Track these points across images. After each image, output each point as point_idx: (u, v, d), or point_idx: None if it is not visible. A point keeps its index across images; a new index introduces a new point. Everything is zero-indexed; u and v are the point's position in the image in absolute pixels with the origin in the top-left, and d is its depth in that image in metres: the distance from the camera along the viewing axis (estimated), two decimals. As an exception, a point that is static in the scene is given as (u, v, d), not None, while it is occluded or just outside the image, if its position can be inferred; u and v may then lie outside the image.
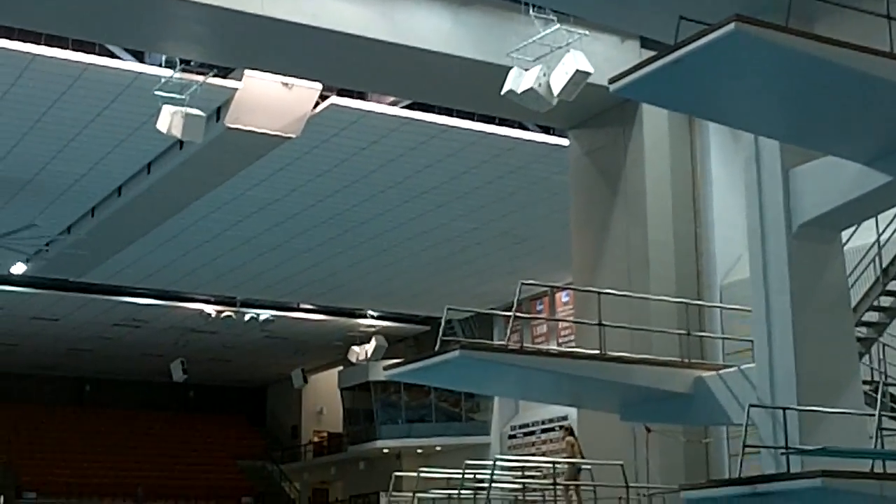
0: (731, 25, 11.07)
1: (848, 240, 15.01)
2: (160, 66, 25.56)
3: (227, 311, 45.38)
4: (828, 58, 11.51)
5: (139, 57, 26.07)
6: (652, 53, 12.60)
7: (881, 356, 16.49)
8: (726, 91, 12.65)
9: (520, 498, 22.15)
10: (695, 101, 13.66)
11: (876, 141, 12.98)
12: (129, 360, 53.42)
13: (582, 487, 21.59)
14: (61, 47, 25.41)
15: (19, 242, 33.91)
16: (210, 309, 45.41)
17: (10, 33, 24.59)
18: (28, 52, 25.26)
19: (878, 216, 15.71)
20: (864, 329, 15.66)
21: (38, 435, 53.46)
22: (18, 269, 37.65)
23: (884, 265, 15.71)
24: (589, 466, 21.64)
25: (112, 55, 25.93)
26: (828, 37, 11.85)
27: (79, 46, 25.48)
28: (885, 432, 12.88)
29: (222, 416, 59.39)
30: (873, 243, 16.09)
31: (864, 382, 14.78)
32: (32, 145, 29.79)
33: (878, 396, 12.87)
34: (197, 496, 52.97)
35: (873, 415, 12.90)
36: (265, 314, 45.73)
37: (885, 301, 15.65)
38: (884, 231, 16.08)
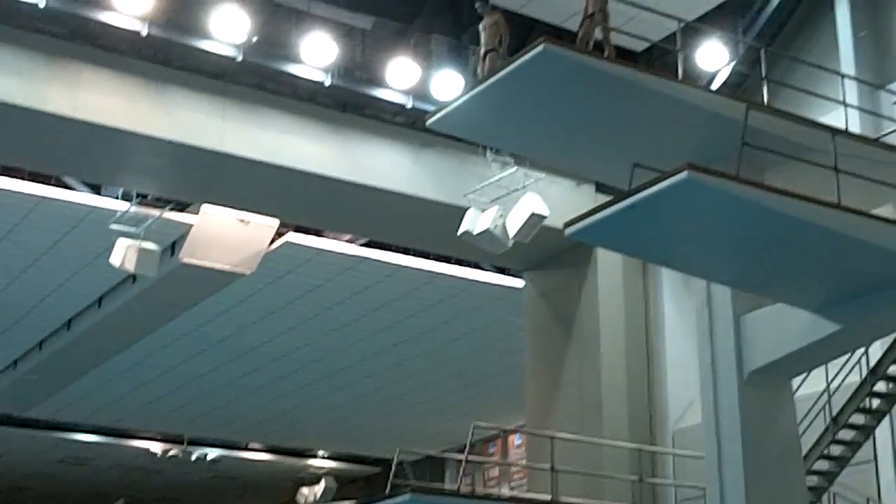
0: (684, 173, 11.36)
1: (798, 387, 15.19)
2: (116, 198, 25.71)
3: (174, 450, 44.94)
4: (777, 207, 11.82)
5: (96, 189, 26.18)
6: (606, 197, 12.95)
7: (832, 504, 16.65)
8: (678, 237, 12.92)
9: None
10: (648, 246, 13.92)
11: (825, 289, 13.24)
12: (73, 499, 52.60)
13: None
14: (17, 178, 25.52)
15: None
16: (157, 447, 44.94)
17: (-36, 164, 24.74)
18: (-18, 183, 25.41)
19: (828, 364, 15.94)
20: (814, 478, 15.80)
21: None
22: (-39, 402, 37.30)
23: (833, 413, 15.91)
24: None
25: (68, 187, 26.06)
26: (777, 187, 12.19)
27: (34, 177, 25.61)
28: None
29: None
30: (823, 391, 16.32)
31: (816, 531, 14.91)
32: (-15, 276, 29.83)
33: (828, 545, 13.01)
34: None
35: (823, 563, 13.02)
36: (213, 453, 45.33)
37: (836, 450, 15.82)
38: (833, 379, 16.33)
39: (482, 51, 15.41)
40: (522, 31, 21.03)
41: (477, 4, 15.91)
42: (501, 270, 28.85)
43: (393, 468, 16.80)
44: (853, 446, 15.81)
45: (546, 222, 21.54)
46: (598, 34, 14.91)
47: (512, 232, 21.89)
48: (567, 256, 25.11)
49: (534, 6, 20.66)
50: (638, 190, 11.78)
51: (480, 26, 15.66)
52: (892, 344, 15.40)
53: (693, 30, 21.60)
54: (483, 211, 22.18)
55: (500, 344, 31.78)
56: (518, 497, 20.94)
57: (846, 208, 12.30)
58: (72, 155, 22.75)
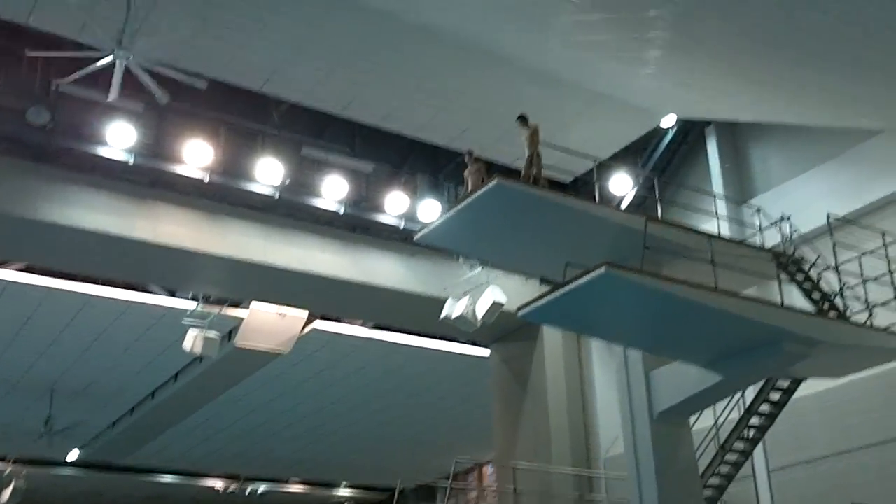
0: (602, 269, 11.67)
1: (694, 423, 15.31)
2: (187, 299, 25.86)
3: (232, 487, 44.48)
4: (671, 292, 12.11)
5: (172, 293, 26.33)
6: (547, 288, 13.13)
7: (723, 511, 16.64)
8: (600, 315, 13.16)
9: None
10: (578, 322, 14.18)
11: (709, 350, 13.46)
12: (156, 526, 51.94)
13: None
14: (113, 286, 25.69)
15: (75, 435, 33.46)
16: (220, 484, 44.47)
17: (74, 277, 24.82)
18: (88, 293, 25.47)
19: (716, 405, 16.08)
20: (709, 490, 15.85)
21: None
22: (73, 455, 37.02)
23: (721, 441, 16.01)
24: None
25: (151, 292, 26.20)
26: (671, 277, 12.50)
27: (126, 286, 25.76)
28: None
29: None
30: (713, 426, 16.44)
31: (712, 530, 14.92)
32: (90, 363, 29.74)
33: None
34: None
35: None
36: (262, 487, 44.89)
37: (724, 469, 15.88)
38: (720, 416, 16.46)
39: (470, 189, 15.53)
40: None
41: (465, 157, 16.17)
42: (473, 343, 28.94)
43: (396, 494, 16.79)
44: (737, 466, 15.86)
45: (504, 308, 21.69)
46: (533, 171, 15.21)
47: (479, 315, 21.99)
48: (521, 332, 25.16)
49: (491, 152, 21.01)
50: (569, 282, 12.05)
51: (466, 172, 15.92)
52: (762, 388, 15.56)
53: (605, 166, 22.10)
54: (458, 300, 22.31)
55: (475, 398, 31.77)
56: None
57: (722, 291, 12.59)
58: (153, 269, 22.86)
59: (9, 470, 38.96)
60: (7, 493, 38.43)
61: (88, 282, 25.24)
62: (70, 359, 29.48)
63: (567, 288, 12.09)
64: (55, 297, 25.54)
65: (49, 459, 38.33)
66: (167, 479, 43.56)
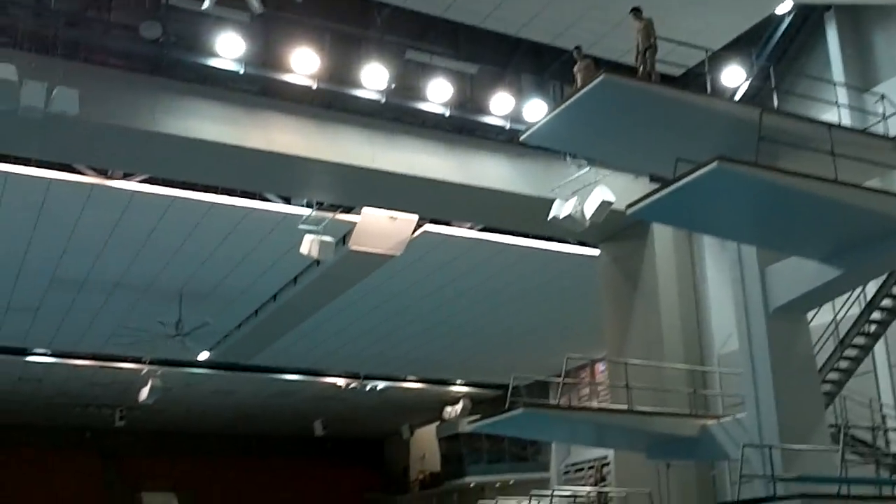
0: (715, 163, 11.02)
1: (812, 318, 14.66)
2: (302, 206, 25.88)
3: (353, 383, 45.26)
4: (787, 184, 11.41)
5: (287, 200, 26.37)
6: (658, 185, 12.53)
7: (842, 406, 16.04)
8: (713, 211, 12.52)
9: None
10: (690, 219, 13.56)
11: (828, 244, 12.77)
12: (284, 420, 53.38)
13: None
14: (232, 195, 25.81)
15: (205, 336, 34.24)
16: (341, 382, 45.33)
17: (195, 187, 25.02)
18: (209, 201, 25.66)
19: (835, 300, 15.36)
20: (827, 386, 15.26)
21: (219, 477, 53.39)
22: (203, 356, 37.97)
23: (840, 336, 15.34)
24: (623, 494, 21.11)
25: (267, 200, 26.29)
26: (787, 168, 11.73)
27: (244, 194, 25.87)
28: (847, 463, 12.50)
29: (351, 461, 58.99)
30: (831, 321, 15.73)
31: (830, 426, 14.35)
32: (214, 268, 30.15)
33: (841, 436, 12.50)
34: (334, 522, 52.67)
35: (837, 450, 12.51)
36: (381, 384, 45.58)
37: (843, 364, 15.27)
38: (839, 311, 15.73)
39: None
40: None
41: (574, 53, 15.58)
42: (582, 244, 28.40)
43: (510, 390, 16.58)
44: (856, 361, 15.22)
45: (613, 207, 21.18)
46: (646, 65, 14.49)
47: (588, 215, 21.57)
48: (630, 231, 24.68)
49: (598, 48, 20.15)
50: (681, 178, 11.44)
51: (575, 69, 15.36)
52: (884, 282, 14.76)
53: (717, 56, 21.02)
54: (566, 201, 21.88)
55: (584, 297, 31.29)
56: (602, 408, 20.62)
57: (841, 182, 11.80)
58: (267, 177, 22.94)
59: (146, 370, 40.37)
60: (146, 390, 39.87)
61: (208, 191, 25.37)
62: (195, 265, 29.94)
63: (678, 184, 11.49)
64: (178, 207, 25.79)
65: (182, 360, 39.38)
66: (291, 377, 44.61)
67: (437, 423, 52.47)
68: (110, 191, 24.76)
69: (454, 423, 49.12)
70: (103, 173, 24.30)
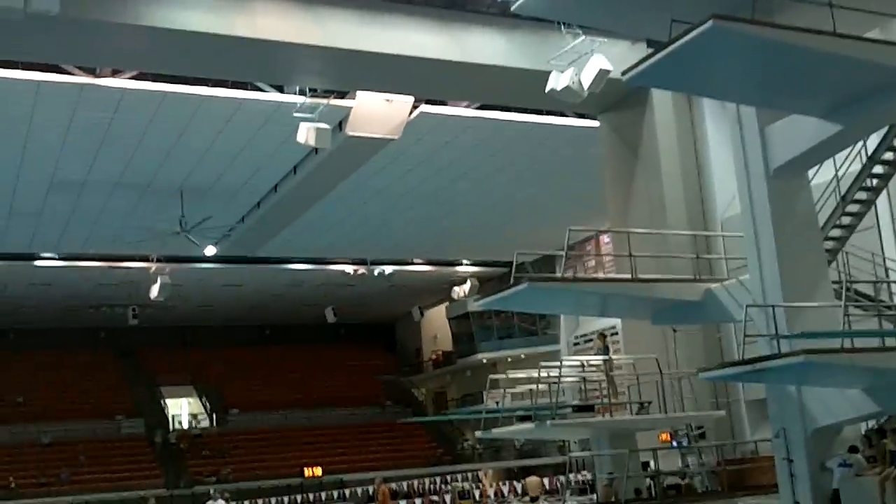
0: (710, 22, 10.75)
1: (813, 176, 14.53)
2: (295, 94, 25.54)
3: (361, 269, 45.49)
4: (784, 40, 11.14)
5: (280, 89, 26.03)
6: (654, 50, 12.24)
7: (845, 261, 16.04)
8: (711, 72, 12.30)
9: (581, 388, 21.96)
10: (688, 82, 13.35)
11: (827, 99, 12.55)
12: (295, 309, 53.91)
13: (623, 375, 21.26)
14: (223, 87, 25.47)
15: (209, 231, 34.29)
16: (349, 269, 45.57)
17: (186, 80, 24.68)
18: (201, 94, 25.35)
19: (835, 157, 15.19)
20: (830, 242, 15.21)
21: (235, 368, 54.23)
22: (210, 250, 38.05)
23: (842, 193, 15.23)
24: (632, 360, 21.34)
25: (259, 90, 25.95)
26: (784, 24, 11.44)
27: (235, 85, 25.53)
28: (850, 318, 12.55)
29: (364, 345, 59.78)
30: (833, 178, 15.59)
31: (833, 282, 14.36)
32: (212, 162, 30.04)
33: (843, 291, 12.52)
34: (351, 402, 53.50)
35: (840, 305, 12.54)
36: (389, 269, 45.80)
37: (845, 220, 15.19)
38: (840, 167, 15.57)
39: None
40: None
41: None
42: (581, 116, 28.11)
43: (513, 266, 16.60)
44: (858, 217, 15.13)
45: (611, 75, 20.81)
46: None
47: (586, 85, 21.23)
48: (629, 99, 24.43)
49: None
50: (676, 39, 11.17)
51: None
52: (885, 135, 14.57)
53: None
54: (562, 72, 21.50)
55: (585, 169, 31.16)
56: (607, 278, 20.67)
57: (840, 34, 11.49)
58: (256, 65, 22.63)
59: (154, 268, 40.58)
60: (156, 288, 40.14)
61: (199, 84, 25.03)
62: (193, 160, 29.81)
63: (674, 45, 11.23)
64: (170, 102, 25.55)
65: (189, 256, 39.54)
66: (300, 266, 44.88)
67: (446, 304, 53.00)
68: (100, 90, 24.51)
69: (463, 303, 49.60)
70: (91, 72, 23.98)
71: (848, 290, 12.97)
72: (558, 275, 17.08)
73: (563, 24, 21.45)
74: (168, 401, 51.60)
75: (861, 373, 12.14)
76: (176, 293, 42.30)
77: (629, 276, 16.21)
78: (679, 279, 16.69)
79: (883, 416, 15.86)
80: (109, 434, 47.33)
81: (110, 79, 24.15)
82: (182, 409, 52.68)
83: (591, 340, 39.32)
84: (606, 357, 20.41)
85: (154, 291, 40.38)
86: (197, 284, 45.81)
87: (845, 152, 15.15)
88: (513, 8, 14.59)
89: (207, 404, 52.17)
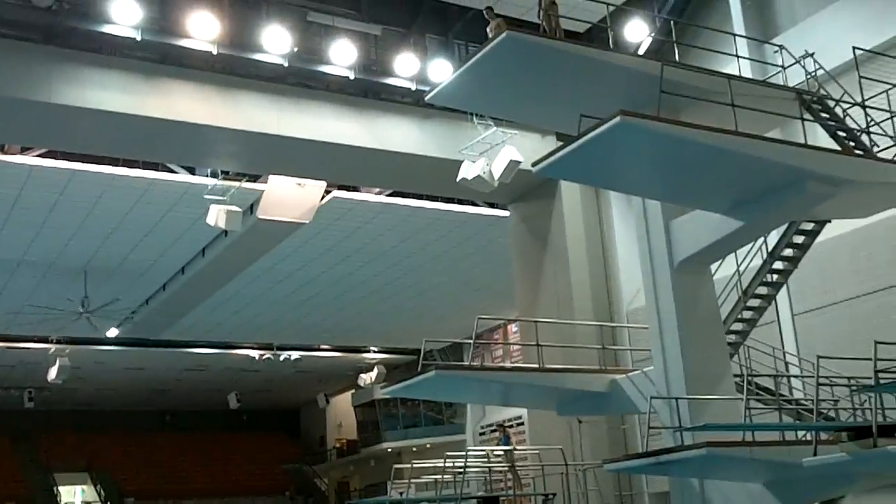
0: (618, 118, 10.96)
1: (716, 271, 14.78)
2: (207, 176, 25.35)
3: (267, 354, 44.83)
4: (689, 137, 11.40)
5: (191, 171, 25.78)
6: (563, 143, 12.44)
7: (746, 355, 16.27)
8: (617, 166, 12.51)
9: (487, 478, 21.75)
10: (595, 175, 13.55)
11: (730, 196, 12.81)
12: (198, 394, 52.76)
13: (528, 466, 21.12)
14: (134, 167, 25.13)
15: (113, 313, 33.52)
16: (254, 353, 44.88)
17: (96, 160, 24.29)
18: (110, 173, 24.94)
19: (738, 252, 15.49)
20: (732, 336, 15.41)
21: (133, 454, 52.63)
22: (112, 332, 37.19)
23: (743, 287, 15.50)
24: (537, 451, 21.24)
25: (171, 171, 25.66)
26: (689, 122, 11.74)
27: (146, 165, 25.22)
28: (751, 412, 12.67)
29: (267, 432, 58.67)
30: (735, 272, 15.88)
31: (735, 376, 14.52)
32: (119, 242, 29.48)
33: (745, 385, 12.67)
34: (252, 492, 52.26)
35: (742, 399, 12.67)
36: (295, 354, 45.23)
37: (746, 314, 15.42)
38: (742, 262, 15.87)
39: None
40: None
41: (485, 13, 15.49)
42: (491, 205, 28.41)
43: (422, 354, 16.48)
44: (759, 311, 15.37)
45: (521, 166, 21.16)
46: (549, 22, 14.41)
47: (496, 175, 21.51)
48: (539, 190, 24.74)
49: (502, 6, 20.00)
50: (585, 133, 11.36)
51: (488, 29, 15.18)
52: (784, 232, 14.92)
53: (620, 12, 21.06)
54: (474, 162, 21.80)
55: (495, 257, 31.42)
56: (513, 367, 20.64)
57: (742, 133, 11.85)
58: (169, 146, 22.42)
59: (53, 349, 39.35)
60: (54, 370, 38.88)
61: (109, 164, 24.67)
62: (99, 239, 29.22)
63: (583, 139, 11.40)
64: (78, 180, 25.11)
65: (90, 338, 38.53)
66: (204, 350, 44.02)
67: (352, 391, 52.39)
68: (8, 166, 23.99)
69: (369, 390, 49.10)
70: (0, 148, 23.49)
71: (749, 383, 13.12)
72: (466, 363, 16.97)
73: (475, 115, 21.83)
74: (62, 488, 49.62)
75: (761, 466, 12.20)
76: (75, 376, 41.07)
77: (536, 365, 16.19)
78: (585, 369, 16.72)
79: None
80: (-2, 522, 45.24)
81: (18, 156, 23.66)
82: (76, 497, 50.66)
83: (496, 430, 39.29)
84: (509, 448, 20.28)
85: (52, 373, 39.13)
86: (96, 367, 44.53)
87: (747, 248, 15.46)
88: (426, 98, 14.77)
89: (102, 492, 50.30)
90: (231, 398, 50.95)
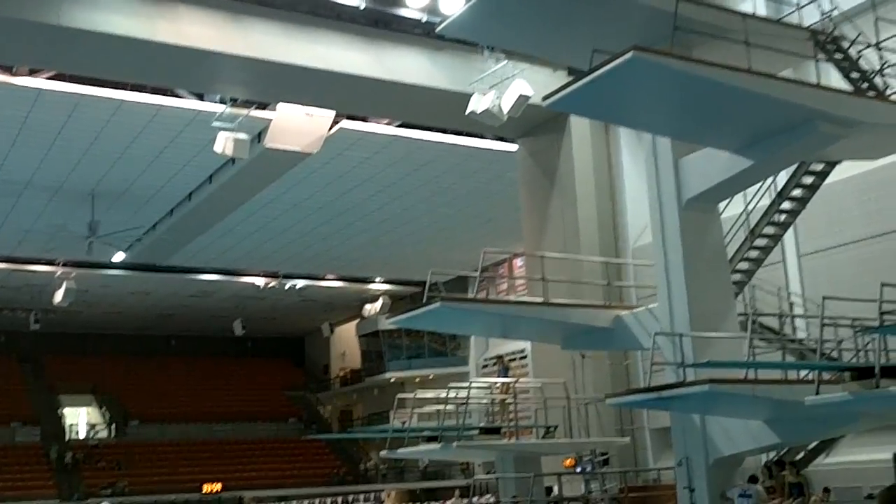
0: (631, 53, 10.92)
1: (724, 209, 14.81)
2: (215, 102, 25.29)
3: (273, 283, 45.06)
4: (701, 74, 11.38)
5: (200, 97, 25.72)
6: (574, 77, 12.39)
7: (752, 295, 16.39)
8: (629, 102, 12.49)
9: (489, 410, 22.03)
10: (606, 110, 13.54)
11: (741, 134, 12.82)
12: (203, 320, 53.10)
13: (530, 399, 21.36)
14: (142, 91, 25.07)
15: (119, 237, 33.66)
16: (260, 281, 45.07)
17: (104, 83, 24.24)
18: (118, 98, 24.92)
19: (746, 191, 15.51)
20: (737, 275, 15.50)
21: (138, 378, 53.12)
22: (119, 257, 37.36)
23: (751, 227, 15.56)
24: (539, 384, 21.48)
25: (179, 97, 25.60)
26: (701, 59, 11.69)
27: (154, 90, 25.15)
28: (755, 350, 12.79)
29: (272, 360, 59.17)
30: (742, 211, 15.93)
31: (739, 314, 14.64)
32: (126, 167, 29.52)
33: (749, 324, 12.77)
34: (257, 418, 52.84)
35: (746, 337, 12.79)
36: (301, 283, 45.46)
37: (752, 254, 15.50)
38: (750, 202, 15.91)
39: None
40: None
41: None
42: (500, 139, 28.33)
43: (427, 285, 16.56)
44: (766, 251, 15.44)
45: (531, 101, 21.06)
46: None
47: (506, 109, 21.46)
48: (548, 125, 24.69)
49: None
50: (596, 69, 11.32)
51: None
52: (794, 172, 14.93)
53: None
54: (483, 95, 21.71)
55: (502, 192, 31.44)
56: (519, 300, 20.76)
57: (755, 72, 11.81)
58: (178, 72, 22.37)
59: (60, 272, 39.57)
60: (60, 293, 39.14)
61: (118, 88, 24.63)
62: (107, 164, 29.24)
63: (594, 74, 11.37)
64: (87, 104, 25.08)
65: (97, 262, 38.74)
66: (210, 277, 44.23)
67: (357, 321, 52.74)
68: (16, 88, 23.95)
69: (374, 321, 49.41)
70: (8, 70, 23.42)
71: (753, 322, 13.22)
72: (471, 295, 17.08)
73: (487, 47, 21.68)
74: (67, 409, 50.29)
75: (763, 404, 12.37)
76: (81, 299, 41.34)
77: (541, 299, 16.31)
78: (590, 305, 16.83)
79: (783, 448, 16.25)
80: (3, 441, 45.86)
81: (27, 77, 23.60)
82: (81, 418, 51.36)
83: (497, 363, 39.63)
84: (511, 380, 20.50)
85: (58, 296, 39.39)
86: (103, 290, 44.82)
87: (755, 187, 15.48)
88: (438, 30, 14.70)
89: (107, 414, 50.99)
90: (236, 325, 51.30)
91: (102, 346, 54.00)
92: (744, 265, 15.38)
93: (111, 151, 28.26)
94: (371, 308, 49.45)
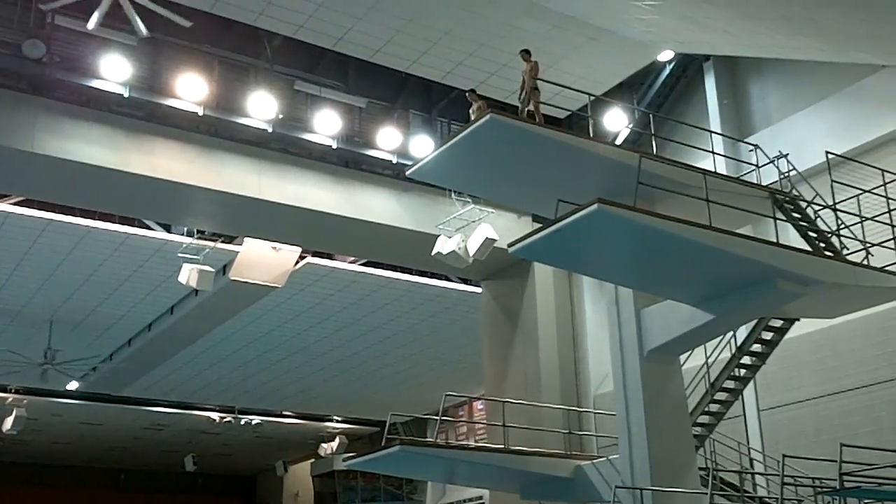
0: (595, 206, 11.16)
1: (685, 362, 14.92)
2: (182, 234, 25.39)
3: (228, 417, 44.33)
4: (663, 228, 11.61)
5: (167, 228, 25.83)
6: (540, 225, 12.65)
7: (712, 448, 16.36)
8: (592, 253, 12.68)
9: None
10: (569, 259, 13.69)
11: (701, 289, 13.01)
12: (153, 455, 51.87)
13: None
14: (110, 221, 25.16)
15: (74, 367, 33.15)
16: (215, 416, 44.33)
17: (72, 211, 24.33)
18: (86, 225, 24.97)
19: (706, 344, 15.67)
20: (698, 428, 15.52)
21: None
22: (72, 386, 36.75)
23: (711, 380, 15.65)
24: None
25: (147, 227, 25.70)
26: (664, 214, 11.97)
27: (122, 220, 25.25)
28: (714, 505, 12.71)
29: (223, 498, 57.66)
30: (703, 364, 16.06)
31: (700, 468, 14.59)
32: (87, 295, 29.29)
33: (710, 479, 12.73)
34: (204, 558, 51.25)
35: (707, 493, 12.72)
36: (256, 419, 44.75)
37: (713, 407, 15.55)
38: (710, 355, 16.06)
39: None
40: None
41: (468, 95, 15.71)
42: (464, 281, 28.58)
43: (387, 427, 16.43)
44: (726, 405, 15.50)
45: (496, 245, 21.34)
46: (530, 106, 14.72)
47: (471, 252, 21.68)
48: (512, 269, 24.88)
49: (485, 88, 20.46)
50: (561, 219, 11.55)
51: (470, 111, 15.49)
52: (753, 328, 15.14)
53: (601, 101, 21.51)
54: (449, 237, 21.99)
55: (464, 334, 31.50)
56: (479, 446, 20.58)
57: (715, 228, 12.09)
58: (148, 203, 22.43)
59: (10, 399, 38.76)
60: (9, 421, 38.26)
61: (86, 215, 24.72)
62: (68, 291, 29.05)
63: (559, 224, 11.58)
64: (53, 230, 25.06)
65: (49, 390, 38.01)
66: (164, 410, 43.43)
67: (312, 460, 51.74)
68: (-19, 211, 23.95)
69: (329, 460, 48.50)
70: (-26, 194, 23.47)
71: (714, 478, 13.17)
72: (431, 439, 16.93)
73: (454, 192, 22.09)
74: (8, 542, 48.54)
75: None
76: (31, 427, 40.38)
77: (502, 445, 16.19)
78: (550, 453, 16.71)
79: None
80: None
81: (-6, 202, 23.69)
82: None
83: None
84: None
85: (7, 424, 38.51)
86: (53, 419, 43.75)
87: (716, 340, 15.65)
88: (407, 173, 15.00)
89: (49, 549, 49.21)
90: (188, 461, 50.15)
91: (52, 477, 52.44)
92: (704, 418, 15.40)
93: (74, 278, 28.10)
94: (327, 447, 48.62)
